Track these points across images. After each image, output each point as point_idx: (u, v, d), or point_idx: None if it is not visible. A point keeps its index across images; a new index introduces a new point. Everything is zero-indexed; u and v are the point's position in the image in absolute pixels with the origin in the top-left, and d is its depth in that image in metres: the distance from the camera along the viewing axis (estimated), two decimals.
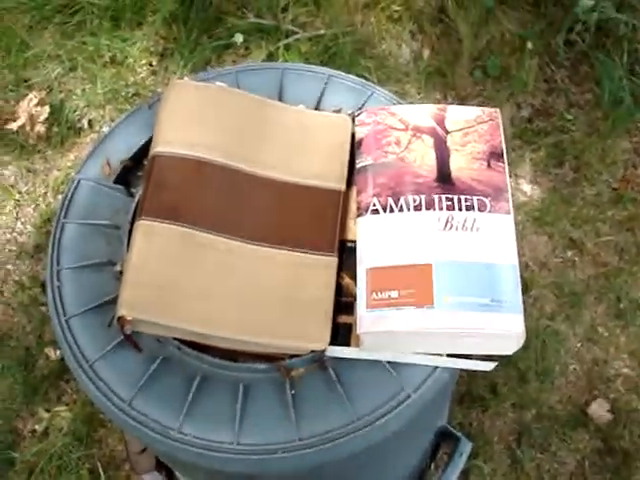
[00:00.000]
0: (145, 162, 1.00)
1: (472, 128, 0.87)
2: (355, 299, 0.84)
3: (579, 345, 1.72)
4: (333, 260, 0.85)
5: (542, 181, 1.89)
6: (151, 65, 1.96)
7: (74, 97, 1.92)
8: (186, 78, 0.96)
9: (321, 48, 1.91)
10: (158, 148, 0.88)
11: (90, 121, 1.91)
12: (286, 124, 0.92)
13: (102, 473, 1.57)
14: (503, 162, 0.86)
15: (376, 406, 0.84)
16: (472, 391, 1.65)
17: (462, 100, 1.96)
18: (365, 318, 0.78)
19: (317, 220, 0.87)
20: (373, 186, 0.84)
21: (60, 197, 1.83)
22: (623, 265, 1.83)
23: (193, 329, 0.80)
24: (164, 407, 0.85)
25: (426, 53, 1.98)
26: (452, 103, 1.96)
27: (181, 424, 0.83)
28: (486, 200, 0.82)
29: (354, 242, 0.88)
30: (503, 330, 0.77)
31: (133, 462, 1.50)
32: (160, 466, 1.49)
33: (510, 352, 0.81)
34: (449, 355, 0.83)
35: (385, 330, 0.77)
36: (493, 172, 0.84)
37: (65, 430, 1.63)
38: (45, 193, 1.85)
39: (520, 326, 0.77)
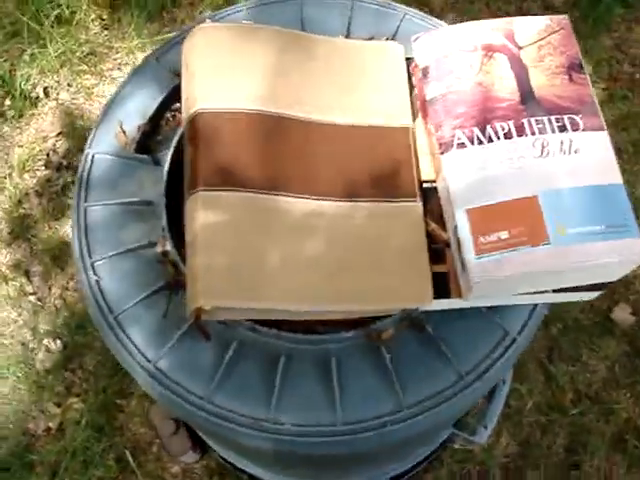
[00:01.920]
0: (165, 123, 0.88)
1: (544, 40, 0.78)
2: (447, 245, 0.75)
3: None
4: (418, 205, 0.76)
5: None
6: (102, 19, 1.79)
7: (23, 64, 1.74)
8: (208, 20, 0.83)
9: None
10: (199, 105, 0.75)
11: (46, 89, 1.74)
12: (332, 58, 0.81)
13: (132, 460, 1.47)
14: (584, 73, 0.77)
15: (482, 357, 0.77)
16: None
17: (438, 14, 1.85)
18: (475, 266, 0.69)
19: (391, 163, 0.77)
20: (453, 117, 0.74)
21: (27, 176, 1.67)
22: (623, 165, 1.78)
23: (282, 307, 0.70)
24: (249, 398, 0.75)
25: None
26: None
27: (274, 413, 0.74)
28: (577, 118, 0.74)
29: (429, 182, 0.79)
30: (624, 257, 0.70)
31: (166, 445, 1.42)
32: (195, 445, 1.41)
33: (620, 277, 0.74)
34: (554, 290, 0.75)
35: (503, 276, 0.69)
36: (577, 85, 0.76)
37: (82, 423, 1.52)
38: (10, 174, 1.68)
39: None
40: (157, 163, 0.86)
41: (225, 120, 0.74)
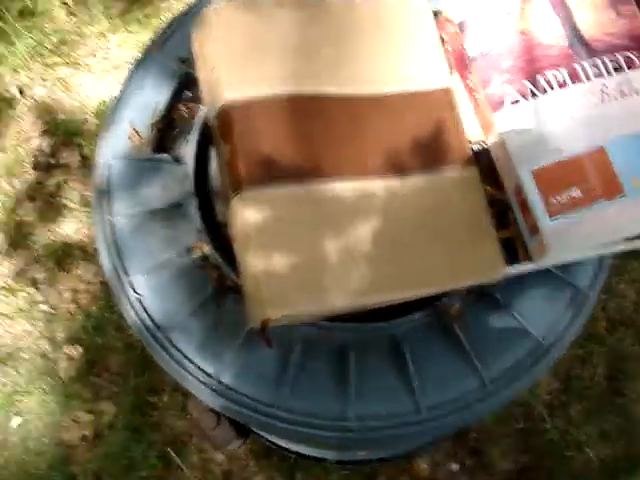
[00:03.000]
0: (179, 116, 0.82)
1: None
2: (507, 207, 0.70)
3: None
4: (474, 170, 0.71)
5: None
6: (66, 4, 1.69)
7: None
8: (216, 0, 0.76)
9: None
10: (227, 96, 0.69)
11: (20, 87, 1.65)
12: (358, 24, 0.74)
13: (176, 457, 1.44)
14: (631, 3, 0.71)
15: (558, 318, 0.74)
16: None
17: None
18: (551, 228, 0.65)
19: (439, 129, 0.71)
20: (500, 72, 0.69)
21: (17, 182, 1.60)
22: None
23: (351, 304, 0.65)
24: (324, 398, 0.72)
25: None
26: None
27: (353, 411, 0.70)
28: (631, 54, 0.69)
29: (476, 143, 0.74)
30: None
31: (211, 438, 1.39)
32: (240, 434, 1.39)
33: None
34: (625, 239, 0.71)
35: (578, 237, 0.64)
36: (625, 19, 0.70)
37: (117, 425, 1.48)
38: None
39: None
40: (177, 160, 0.80)
41: (258, 108, 0.68)
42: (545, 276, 0.74)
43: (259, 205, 0.66)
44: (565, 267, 0.74)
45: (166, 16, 1.69)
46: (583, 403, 1.49)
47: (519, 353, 0.72)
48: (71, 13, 1.69)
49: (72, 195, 1.59)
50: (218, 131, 0.70)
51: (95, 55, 1.69)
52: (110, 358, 1.53)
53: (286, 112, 0.69)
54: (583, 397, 1.49)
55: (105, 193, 0.79)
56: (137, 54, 1.64)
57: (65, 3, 1.68)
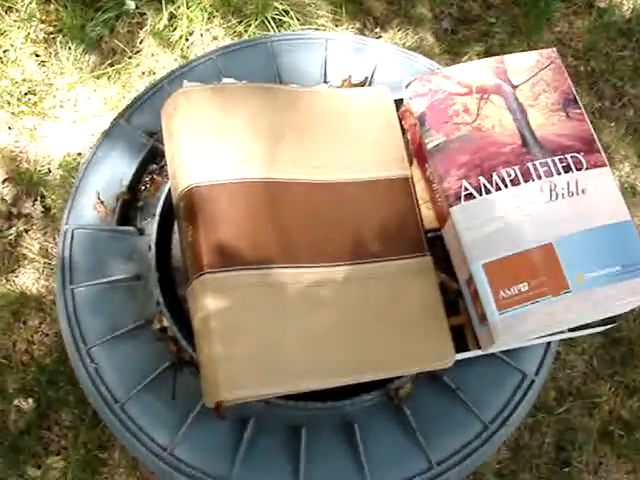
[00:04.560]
0: (144, 188, 0.83)
1: (537, 76, 0.76)
2: (459, 295, 0.73)
3: None
4: (428, 259, 0.74)
5: None
6: (37, 55, 1.70)
7: None
8: (187, 82, 0.78)
9: None
10: (192, 180, 0.71)
11: None
12: (321, 111, 0.78)
13: None
14: (580, 107, 0.76)
15: (504, 403, 0.77)
16: None
17: (382, 24, 1.84)
18: (499, 322, 0.68)
19: (396, 217, 0.74)
20: (457, 167, 0.72)
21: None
22: None
23: (305, 387, 0.67)
24: (276, 474, 0.72)
25: None
26: (373, 29, 1.84)
27: None
28: (579, 156, 0.73)
29: (433, 231, 0.77)
30: None
31: None
32: None
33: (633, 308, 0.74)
34: (569, 329, 0.75)
35: (525, 330, 0.67)
36: (574, 122, 0.75)
37: None
38: None
39: None
40: (141, 233, 0.81)
41: (222, 192, 0.71)
42: (493, 360, 0.76)
43: (219, 289, 0.67)
44: (513, 352, 0.77)
45: (136, 72, 1.71)
46: (532, 472, 1.52)
47: (466, 436, 0.74)
48: (42, 64, 1.70)
49: (32, 245, 1.59)
50: (182, 212, 0.72)
51: (63, 106, 1.70)
52: (62, 412, 1.51)
53: (249, 197, 0.71)
54: (532, 467, 1.52)
55: (67, 261, 0.80)
56: (104, 108, 1.66)
57: (36, 54, 1.70)
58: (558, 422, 1.55)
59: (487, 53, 1.85)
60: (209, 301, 0.67)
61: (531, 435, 1.55)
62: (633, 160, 1.77)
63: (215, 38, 1.73)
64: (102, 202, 0.82)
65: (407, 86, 0.77)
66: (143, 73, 1.71)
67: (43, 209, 1.62)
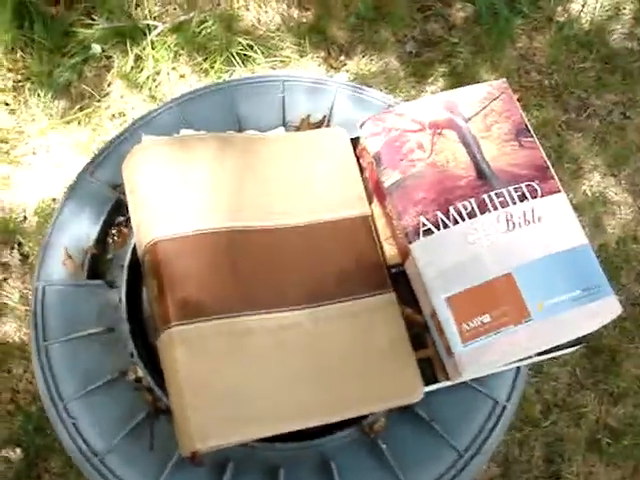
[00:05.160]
0: (112, 240, 0.85)
1: (488, 108, 0.78)
2: (425, 327, 0.75)
3: None
4: (391, 295, 0.75)
5: None
6: (7, 104, 1.72)
7: None
8: (145, 136, 0.80)
9: (189, 36, 1.73)
10: (155, 234, 0.72)
11: None
12: (278, 156, 0.79)
13: None
14: (532, 136, 0.78)
15: (477, 430, 0.78)
16: None
17: (347, 51, 1.86)
18: (464, 354, 0.69)
19: (357, 256, 0.76)
20: (414, 204, 0.74)
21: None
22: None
23: (277, 431, 0.68)
24: None
25: (294, 12, 1.86)
26: (337, 57, 1.86)
27: None
28: (534, 184, 0.75)
29: (395, 266, 0.78)
30: (604, 316, 0.71)
31: None
32: None
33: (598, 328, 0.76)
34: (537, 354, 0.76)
35: (490, 360, 0.69)
36: (527, 150, 0.77)
37: None
38: None
39: (617, 305, 0.72)
40: (111, 286, 0.82)
41: (186, 244, 0.72)
42: (464, 389, 0.78)
43: (186, 340, 0.69)
44: (483, 380, 0.78)
45: (106, 114, 1.73)
46: None
47: (442, 466, 0.75)
48: (11, 112, 1.72)
49: (12, 294, 1.59)
50: (147, 266, 0.73)
51: (35, 153, 1.71)
52: (50, 459, 1.50)
53: (211, 247, 0.73)
54: None
55: (40, 318, 0.81)
56: (76, 153, 1.68)
57: (5, 102, 1.71)
58: (546, 435, 1.56)
59: (452, 74, 1.88)
60: (177, 352, 0.68)
61: (520, 450, 1.56)
62: (602, 169, 1.80)
63: (182, 76, 1.74)
64: (70, 257, 0.83)
65: (361, 126, 0.78)
66: (113, 115, 1.73)
67: (21, 257, 1.63)
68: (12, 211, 1.67)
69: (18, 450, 1.50)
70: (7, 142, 1.70)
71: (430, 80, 1.86)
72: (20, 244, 1.64)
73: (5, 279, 1.61)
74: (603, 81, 1.89)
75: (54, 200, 1.65)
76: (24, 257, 1.63)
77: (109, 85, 1.74)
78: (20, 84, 1.72)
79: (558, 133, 1.84)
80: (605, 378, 1.64)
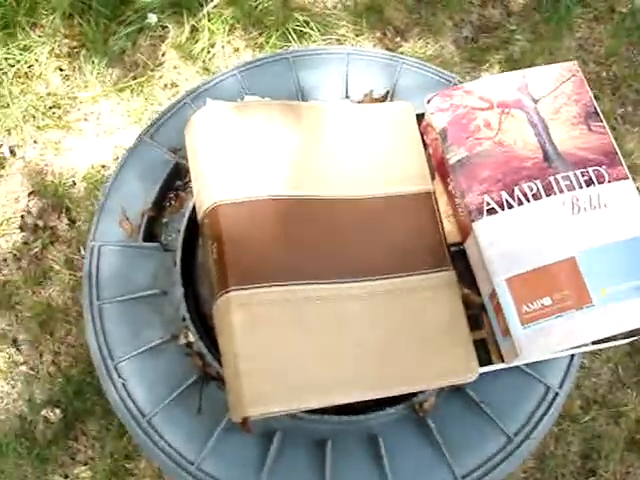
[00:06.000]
0: (169, 204, 0.84)
1: (558, 90, 0.76)
2: (482, 308, 0.73)
3: None
4: (452, 274, 0.74)
5: None
6: (62, 70, 1.73)
7: None
8: (210, 100, 0.79)
9: (246, 9, 1.73)
10: (217, 197, 0.72)
11: (12, 148, 1.68)
12: (343, 128, 0.78)
13: None
14: (601, 120, 0.76)
15: (528, 416, 0.76)
16: None
17: (403, 33, 1.84)
18: (522, 336, 0.68)
19: (418, 232, 0.75)
20: (479, 182, 0.72)
21: (3, 241, 1.62)
22: None
23: (330, 402, 0.68)
24: None
25: None
26: (393, 39, 1.84)
27: None
28: (601, 169, 0.73)
29: (455, 245, 0.77)
30: None
31: None
32: None
33: None
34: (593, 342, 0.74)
35: (548, 344, 0.68)
36: (596, 135, 0.75)
37: None
38: None
39: None
40: (167, 249, 0.82)
41: (247, 210, 0.71)
42: (517, 373, 0.77)
43: (244, 306, 0.68)
44: (536, 365, 0.77)
45: (159, 84, 1.73)
46: None
47: (491, 449, 0.74)
48: (65, 78, 1.73)
49: (58, 257, 1.61)
50: (207, 230, 0.73)
51: (87, 119, 1.73)
52: (88, 422, 1.52)
53: (271, 215, 0.72)
54: (558, 476, 1.51)
55: (95, 278, 0.82)
56: (128, 121, 1.68)
57: (60, 68, 1.72)
58: (584, 431, 1.54)
59: (508, 61, 1.84)
60: (234, 317, 0.68)
61: (556, 444, 1.54)
62: None
63: (236, 50, 1.74)
64: (127, 219, 0.84)
65: (428, 101, 0.77)
66: (165, 85, 1.73)
67: (68, 222, 1.64)
68: (61, 176, 1.69)
69: (57, 411, 1.53)
70: (60, 107, 1.71)
71: (485, 66, 1.83)
72: (68, 209, 1.66)
73: (52, 242, 1.63)
74: None
75: (103, 167, 1.66)
76: (71, 222, 1.64)
77: (163, 55, 1.74)
78: (75, 50, 1.73)
79: (614, 127, 1.80)
80: None
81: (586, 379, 1.62)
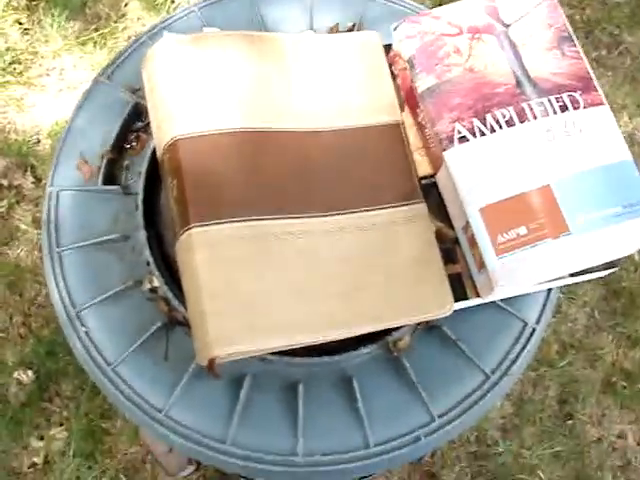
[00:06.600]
0: (129, 146, 0.81)
1: (530, 15, 0.73)
2: (455, 242, 0.71)
3: None
4: (423, 207, 0.72)
5: None
6: (20, 23, 1.67)
7: None
8: (167, 33, 0.75)
9: None
10: (176, 131, 0.68)
11: None
12: (307, 58, 0.75)
13: None
14: (575, 45, 0.73)
15: (505, 352, 0.75)
16: None
17: None
18: (498, 267, 0.65)
19: (388, 165, 0.72)
20: (449, 110, 0.69)
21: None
22: None
23: (300, 341, 0.65)
24: (273, 433, 0.71)
25: None
26: None
27: (302, 446, 0.70)
28: (576, 95, 0.70)
29: (426, 177, 0.74)
30: None
31: (164, 464, 1.37)
32: (191, 459, 1.37)
33: (635, 250, 0.72)
34: (570, 274, 0.73)
35: (524, 275, 0.65)
36: (570, 60, 0.72)
37: (69, 452, 1.45)
38: None
39: None
40: (127, 192, 0.79)
41: (208, 144, 0.68)
42: (493, 309, 0.75)
43: (206, 242, 0.65)
44: (513, 300, 0.75)
45: (122, 36, 1.68)
46: (536, 426, 1.51)
47: (467, 387, 0.73)
48: (25, 32, 1.67)
49: (24, 217, 1.57)
50: (167, 166, 0.69)
51: (49, 75, 1.67)
52: (62, 383, 1.50)
53: (235, 148, 0.69)
54: (535, 420, 1.51)
55: (54, 224, 0.78)
56: (92, 75, 1.63)
57: (19, 22, 1.66)
58: (561, 375, 1.54)
59: None
60: (197, 255, 0.65)
61: (534, 389, 1.54)
62: (631, 109, 1.74)
63: None
64: (86, 162, 0.80)
65: (395, 29, 0.74)
66: (129, 37, 1.68)
67: (34, 180, 1.60)
68: (25, 134, 1.64)
69: (30, 373, 1.50)
70: (20, 63, 1.66)
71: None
72: (33, 167, 1.61)
73: (17, 202, 1.59)
74: (637, 18, 1.82)
75: None
76: (37, 180, 1.60)
77: (125, 6, 1.68)
78: (34, 3, 1.67)
79: None
80: (623, 321, 1.62)
81: (563, 324, 1.62)
